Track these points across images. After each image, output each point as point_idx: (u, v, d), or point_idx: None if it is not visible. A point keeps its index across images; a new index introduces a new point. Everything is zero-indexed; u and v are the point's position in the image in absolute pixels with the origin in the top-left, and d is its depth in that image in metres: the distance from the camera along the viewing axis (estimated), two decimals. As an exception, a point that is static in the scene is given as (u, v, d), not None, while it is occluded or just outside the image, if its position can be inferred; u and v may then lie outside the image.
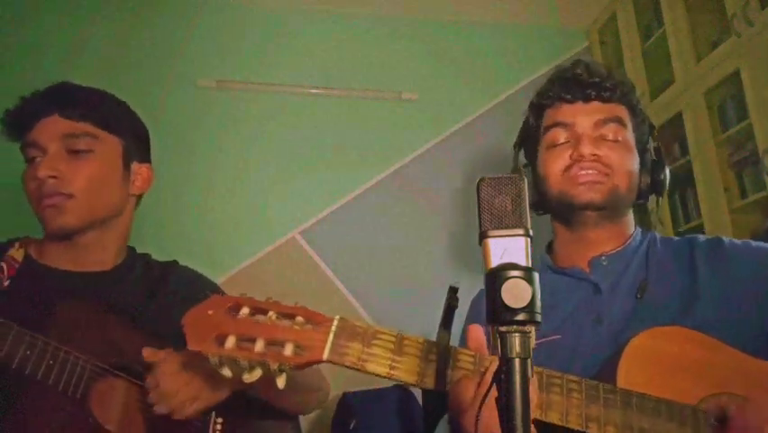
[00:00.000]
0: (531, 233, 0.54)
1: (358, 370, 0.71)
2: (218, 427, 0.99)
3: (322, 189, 2.42)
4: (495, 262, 0.52)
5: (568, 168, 0.98)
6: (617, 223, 1.02)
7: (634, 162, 0.99)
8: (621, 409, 0.72)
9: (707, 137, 2.08)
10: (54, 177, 0.98)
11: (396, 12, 2.66)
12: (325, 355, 0.69)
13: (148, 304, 1.08)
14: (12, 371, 0.86)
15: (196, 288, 1.14)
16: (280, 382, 0.69)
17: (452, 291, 0.69)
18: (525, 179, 0.56)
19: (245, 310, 0.71)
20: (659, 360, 0.78)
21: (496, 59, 2.68)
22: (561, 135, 1.00)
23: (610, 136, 0.97)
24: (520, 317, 0.50)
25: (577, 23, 2.81)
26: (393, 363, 0.70)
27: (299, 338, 0.69)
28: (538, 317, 0.50)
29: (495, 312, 0.50)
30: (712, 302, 0.89)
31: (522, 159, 1.11)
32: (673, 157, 2.32)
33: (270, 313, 0.71)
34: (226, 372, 0.69)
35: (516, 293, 0.50)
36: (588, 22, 2.81)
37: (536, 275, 0.51)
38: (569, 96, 1.00)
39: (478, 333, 0.75)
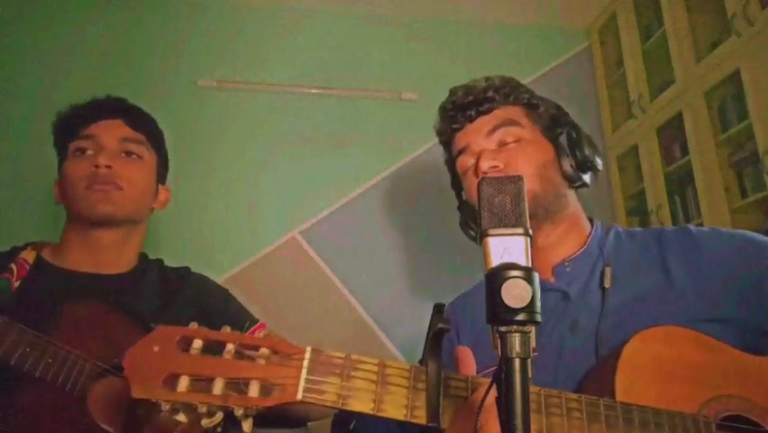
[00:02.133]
0: (531, 232, 0.54)
1: (338, 409, 0.62)
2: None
3: (322, 189, 2.41)
4: (495, 261, 0.52)
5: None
6: (562, 220, 0.99)
7: (543, 156, 0.99)
8: (624, 426, 0.68)
9: (707, 137, 2.08)
10: (110, 167, 1.08)
11: (396, 12, 2.66)
12: (299, 395, 0.60)
13: (161, 311, 1.10)
14: (11, 368, 0.88)
15: (210, 295, 1.21)
16: (246, 426, 0.59)
17: (438, 310, 0.62)
18: (524, 179, 0.56)
19: (197, 344, 0.61)
20: (656, 365, 0.76)
21: (496, 59, 2.67)
22: (466, 161, 1.03)
23: (509, 139, 0.99)
24: (520, 317, 0.50)
25: (577, 23, 2.81)
26: (377, 398, 0.62)
27: (266, 375, 0.60)
28: (538, 318, 0.50)
29: (495, 312, 0.50)
30: (688, 295, 0.87)
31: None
32: (673, 157, 2.32)
33: (229, 346, 0.61)
34: (182, 417, 0.60)
35: (516, 293, 0.50)
36: (588, 22, 2.81)
37: (536, 275, 0.51)
38: (456, 126, 1.05)
39: (467, 356, 0.71)
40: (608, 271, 0.92)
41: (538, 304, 0.50)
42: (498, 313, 0.50)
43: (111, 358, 0.95)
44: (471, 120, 1.03)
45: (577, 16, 2.76)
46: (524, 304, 0.49)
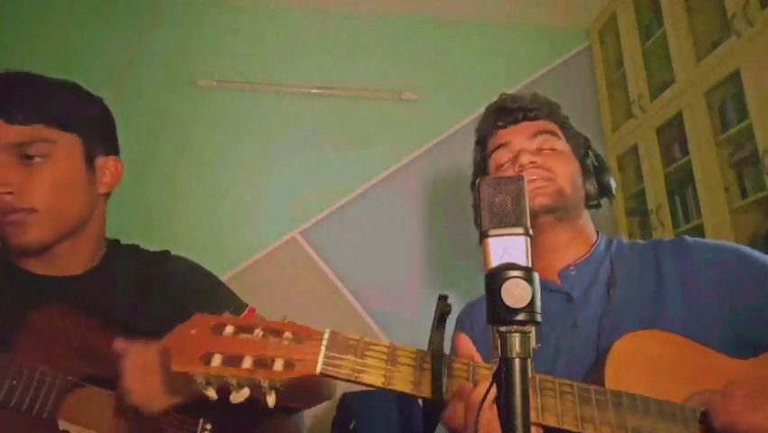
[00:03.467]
0: (531, 232, 0.54)
1: (353, 381, 0.69)
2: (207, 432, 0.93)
3: (322, 189, 2.42)
4: (495, 261, 0.52)
5: None
6: (573, 226, 1.06)
7: (574, 167, 1.06)
8: (614, 410, 0.73)
9: (707, 137, 2.08)
10: (9, 192, 0.87)
11: (396, 12, 2.66)
12: (319, 368, 0.68)
13: (141, 300, 1.00)
14: None
15: (195, 279, 1.09)
16: (270, 400, 0.66)
17: (443, 299, 0.69)
18: (525, 179, 0.56)
19: (230, 329, 0.69)
20: (643, 362, 0.81)
21: (496, 59, 2.68)
22: (503, 156, 1.08)
23: (546, 145, 1.06)
24: (520, 317, 0.50)
25: (577, 23, 2.81)
26: (388, 374, 0.70)
27: (289, 353, 0.67)
28: (538, 318, 0.50)
29: (495, 312, 0.50)
30: (679, 302, 0.92)
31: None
32: (673, 157, 2.32)
33: (257, 331, 0.69)
34: (211, 392, 0.67)
35: (516, 293, 0.50)
36: (588, 22, 2.81)
37: (536, 275, 0.51)
38: (501, 123, 1.10)
39: (465, 342, 0.76)
40: (612, 289, 0.98)
41: (538, 304, 0.50)
42: (498, 313, 0.50)
43: (80, 365, 0.87)
44: (517, 122, 1.09)
45: (577, 16, 2.77)
46: (524, 304, 0.49)
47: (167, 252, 1.12)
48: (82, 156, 0.96)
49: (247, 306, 1.18)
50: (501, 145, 1.09)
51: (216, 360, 0.66)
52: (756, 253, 0.95)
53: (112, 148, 1.03)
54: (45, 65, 2.39)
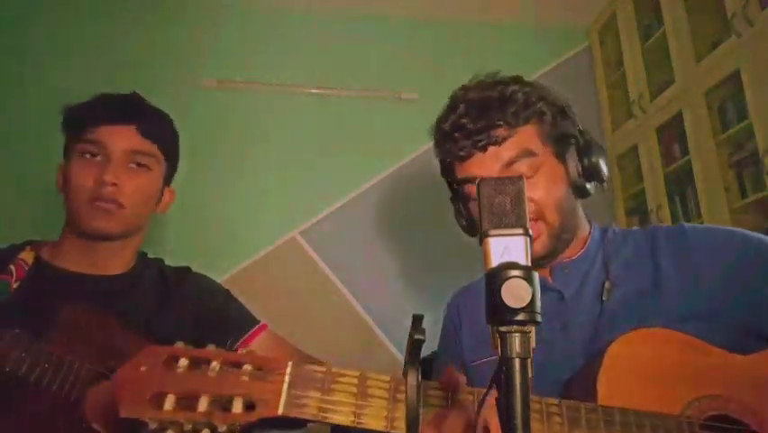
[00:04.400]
0: (531, 232, 0.54)
1: (319, 422, 0.64)
2: None
3: (322, 189, 2.42)
4: (495, 261, 0.52)
5: None
6: (571, 242, 0.98)
7: (558, 185, 0.93)
8: (605, 430, 0.69)
9: (707, 137, 2.08)
10: (116, 184, 1.04)
11: (396, 12, 2.66)
12: (281, 410, 0.62)
13: (161, 311, 1.09)
14: (7, 373, 0.87)
15: (210, 297, 1.19)
16: None
17: (417, 322, 0.61)
18: (525, 180, 0.56)
19: (183, 362, 0.62)
20: (638, 368, 0.76)
21: (496, 59, 2.66)
22: (474, 189, 0.96)
23: (524, 172, 0.90)
24: (520, 317, 0.50)
25: (577, 23, 2.81)
26: (357, 410, 0.64)
27: (249, 391, 0.61)
28: (538, 318, 0.50)
29: (495, 312, 0.50)
30: (676, 296, 0.87)
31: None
32: (673, 157, 2.32)
33: (213, 364, 0.62)
34: None
35: (516, 293, 0.50)
36: (588, 22, 2.81)
37: (536, 275, 0.51)
38: (462, 154, 0.93)
39: (454, 377, 0.69)
40: (607, 284, 0.92)
41: (538, 304, 0.50)
42: (498, 313, 0.50)
43: (108, 361, 0.94)
44: (484, 149, 0.92)
45: (577, 16, 2.76)
46: (524, 304, 0.49)
47: (188, 268, 1.23)
48: (162, 180, 1.16)
49: (259, 322, 1.19)
50: (471, 179, 0.94)
51: (169, 402, 0.60)
52: (756, 235, 0.90)
53: (172, 177, 1.22)
54: (45, 65, 2.40)
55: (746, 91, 1.89)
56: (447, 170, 1.03)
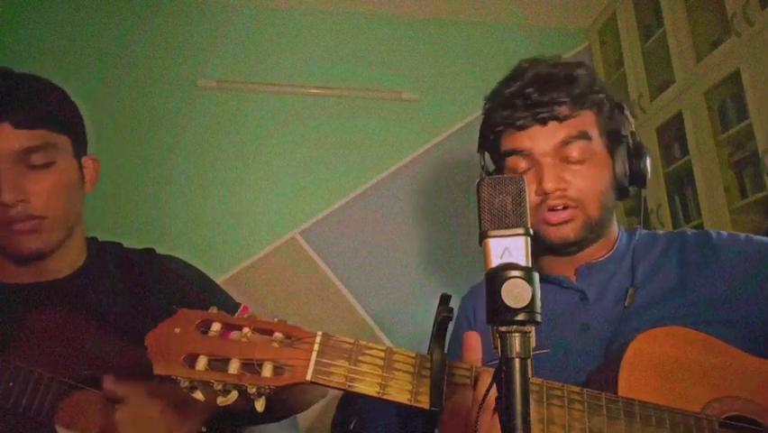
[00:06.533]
0: (531, 232, 0.54)
1: (345, 390, 0.65)
2: None
3: (322, 189, 2.42)
4: (495, 261, 0.52)
5: (537, 206, 0.91)
6: (601, 237, 0.97)
7: (605, 177, 0.93)
8: (625, 420, 0.69)
9: (707, 137, 2.08)
10: (22, 200, 0.86)
11: (396, 12, 2.66)
12: (309, 376, 0.63)
13: (124, 300, 0.98)
14: None
15: (189, 277, 1.08)
16: (259, 405, 0.62)
17: (445, 301, 0.64)
18: (525, 179, 0.56)
19: (216, 327, 0.64)
20: (659, 365, 0.76)
21: (496, 59, 2.67)
22: (520, 163, 0.93)
23: (574, 156, 0.90)
24: (520, 317, 0.50)
25: (577, 23, 2.81)
26: (383, 382, 0.65)
27: (279, 357, 0.63)
28: (538, 318, 0.50)
29: (495, 312, 0.50)
30: (701, 301, 0.87)
31: (489, 163, 1.03)
32: (673, 157, 2.32)
33: (245, 330, 0.64)
34: (199, 395, 0.63)
35: (516, 293, 0.50)
36: (588, 22, 2.81)
37: (536, 275, 0.51)
38: (520, 123, 0.91)
39: (475, 342, 0.71)
40: (631, 290, 0.91)
41: (538, 304, 0.50)
42: (498, 313, 0.50)
43: (77, 368, 0.86)
44: (544, 122, 0.90)
45: (577, 16, 2.76)
46: (524, 304, 0.49)
47: (152, 249, 1.09)
48: (73, 158, 0.95)
49: (240, 305, 1.17)
50: (519, 151, 0.92)
51: (201, 362, 0.62)
52: None
53: (86, 147, 1.01)
54: (45, 64, 2.40)
55: (746, 91, 1.89)
56: (490, 142, 0.99)
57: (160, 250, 1.12)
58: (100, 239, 1.08)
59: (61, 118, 0.93)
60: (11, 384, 0.81)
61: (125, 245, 1.09)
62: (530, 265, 0.52)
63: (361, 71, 2.57)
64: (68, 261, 0.98)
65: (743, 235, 0.94)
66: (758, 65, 1.86)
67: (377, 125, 2.52)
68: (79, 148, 0.97)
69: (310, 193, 2.40)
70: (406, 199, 2.46)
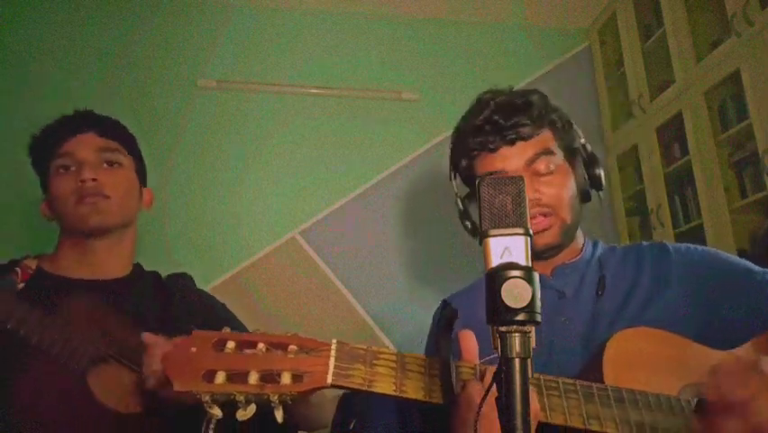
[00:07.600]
0: (531, 232, 0.54)
1: (365, 391, 0.69)
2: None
3: (322, 189, 2.42)
4: (495, 261, 0.52)
5: None
6: (572, 242, 1.07)
7: (570, 185, 1.03)
8: (616, 405, 0.76)
9: (707, 137, 2.08)
10: (95, 180, 1.12)
11: (396, 12, 2.66)
12: (329, 380, 0.67)
13: (164, 310, 1.15)
14: (19, 339, 0.95)
15: (206, 296, 1.27)
16: (279, 415, 0.65)
17: (447, 304, 0.69)
18: (525, 180, 0.56)
19: (231, 345, 0.67)
20: (636, 359, 0.84)
21: (496, 59, 2.67)
22: None
23: (542, 169, 1.00)
24: (520, 317, 0.50)
25: (577, 23, 2.81)
26: (399, 382, 0.70)
27: (297, 366, 0.66)
28: (538, 318, 0.50)
29: (495, 312, 0.50)
30: (658, 303, 0.96)
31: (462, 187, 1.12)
32: (673, 157, 2.32)
33: (260, 345, 0.67)
34: (217, 411, 0.65)
35: (516, 293, 0.50)
36: (588, 22, 2.81)
37: (536, 275, 0.51)
38: (492, 146, 1.01)
39: (468, 339, 0.76)
40: (602, 280, 1.02)
41: (538, 304, 0.50)
42: (498, 313, 0.50)
43: (107, 348, 1.01)
44: (512, 143, 1.00)
45: (577, 16, 2.76)
46: (524, 304, 0.50)
47: (184, 274, 1.29)
48: (136, 176, 1.23)
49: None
50: (494, 172, 1.01)
51: (221, 377, 0.64)
52: (727, 256, 1.01)
53: (146, 179, 1.28)
54: (45, 65, 2.39)
55: (746, 91, 1.89)
56: (465, 168, 1.08)
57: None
58: (150, 255, 1.29)
59: (130, 144, 1.23)
60: (56, 337, 0.97)
61: (166, 262, 1.29)
62: (530, 265, 0.52)
63: (361, 71, 2.57)
64: (120, 264, 1.18)
65: (694, 247, 1.04)
66: (758, 65, 1.86)
67: (377, 125, 2.52)
68: (140, 174, 1.25)
69: (310, 193, 2.40)
70: (406, 199, 2.46)
